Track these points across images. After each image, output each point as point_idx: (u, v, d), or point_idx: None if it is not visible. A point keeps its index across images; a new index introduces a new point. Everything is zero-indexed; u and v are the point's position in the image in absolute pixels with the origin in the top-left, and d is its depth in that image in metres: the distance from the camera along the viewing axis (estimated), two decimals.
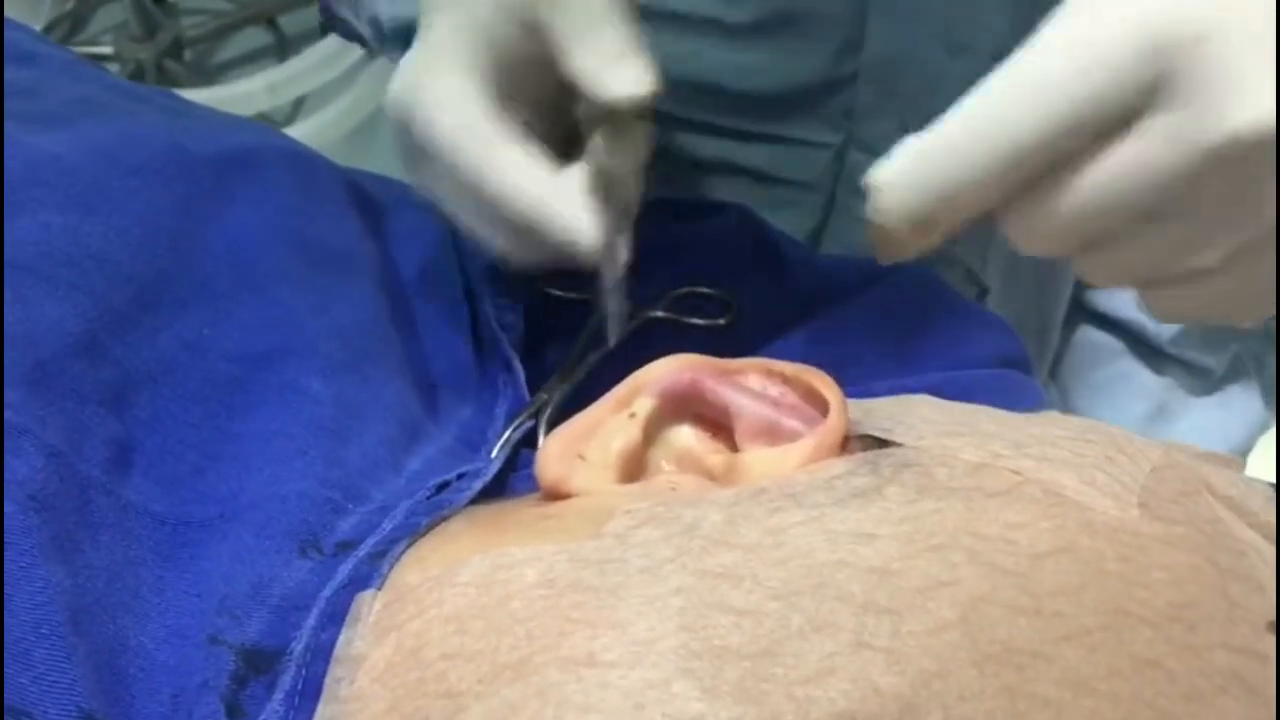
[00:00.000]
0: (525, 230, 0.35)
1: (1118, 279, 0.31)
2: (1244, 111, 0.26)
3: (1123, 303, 0.61)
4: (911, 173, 0.30)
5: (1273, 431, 0.66)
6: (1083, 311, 0.61)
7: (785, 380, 0.30)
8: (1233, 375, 0.62)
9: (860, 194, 0.50)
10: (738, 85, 0.49)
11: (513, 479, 0.35)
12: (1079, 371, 0.62)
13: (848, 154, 0.51)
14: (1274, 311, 0.31)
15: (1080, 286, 0.60)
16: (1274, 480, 0.29)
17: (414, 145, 0.36)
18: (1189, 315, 0.32)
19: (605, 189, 0.35)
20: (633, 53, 0.34)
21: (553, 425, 0.37)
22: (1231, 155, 0.26)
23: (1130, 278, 0.31)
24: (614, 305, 0.35)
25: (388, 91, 0.37)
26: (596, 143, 0.36)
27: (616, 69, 0.34)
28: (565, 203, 0.35)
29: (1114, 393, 0.61)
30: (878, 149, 0.50)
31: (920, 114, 0.48)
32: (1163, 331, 0.60)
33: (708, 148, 0.52)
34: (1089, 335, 0.62)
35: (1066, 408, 0.62)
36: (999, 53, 0.44)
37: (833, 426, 0.28)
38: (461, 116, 0.35)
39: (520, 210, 0.35)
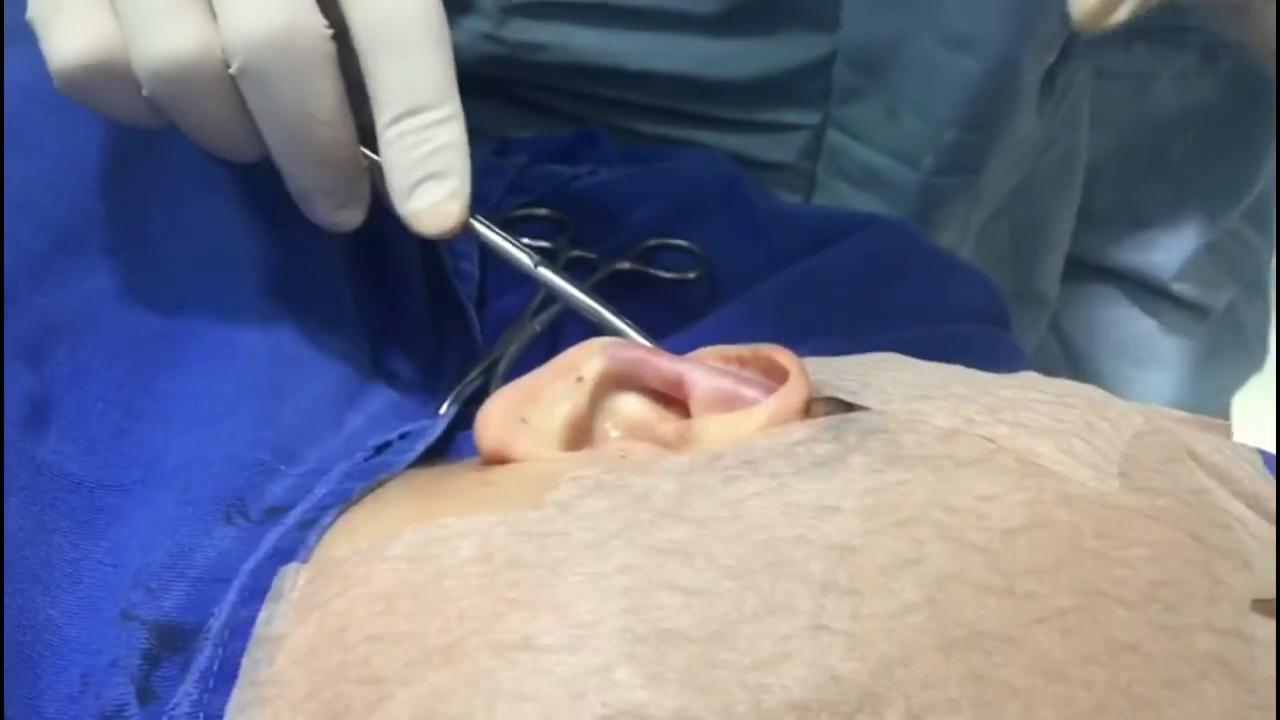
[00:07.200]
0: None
1: None
2: None
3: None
4: None
5: (1256, 379, 0.65)
6: (1082, 266, 0.59)
7: (741, 360, 0.28)
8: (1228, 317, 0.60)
9: (841, 173, 0.49)
10: (708, 74, 0.48)
11: (461, 439, 0.33)
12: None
13: (826, 134, 0.50)
14: None
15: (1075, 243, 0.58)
16: (1261, 446, 0.28)
17: None
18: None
19: None
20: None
21: (507, 381, 0.35)
22: None
23: None
24: None
25: None
26: None
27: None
28: None
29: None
30: (859, 131, 0.49)
31: (910, 102, 0.47)
32: (1162, 273, 0.58)
33: (681, 133, 0.50)
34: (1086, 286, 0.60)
35: (1070, 358, 0.60)
36: (1002, 52, 0.43)
37: (793, 387, 0.26)
38: None
39: None
